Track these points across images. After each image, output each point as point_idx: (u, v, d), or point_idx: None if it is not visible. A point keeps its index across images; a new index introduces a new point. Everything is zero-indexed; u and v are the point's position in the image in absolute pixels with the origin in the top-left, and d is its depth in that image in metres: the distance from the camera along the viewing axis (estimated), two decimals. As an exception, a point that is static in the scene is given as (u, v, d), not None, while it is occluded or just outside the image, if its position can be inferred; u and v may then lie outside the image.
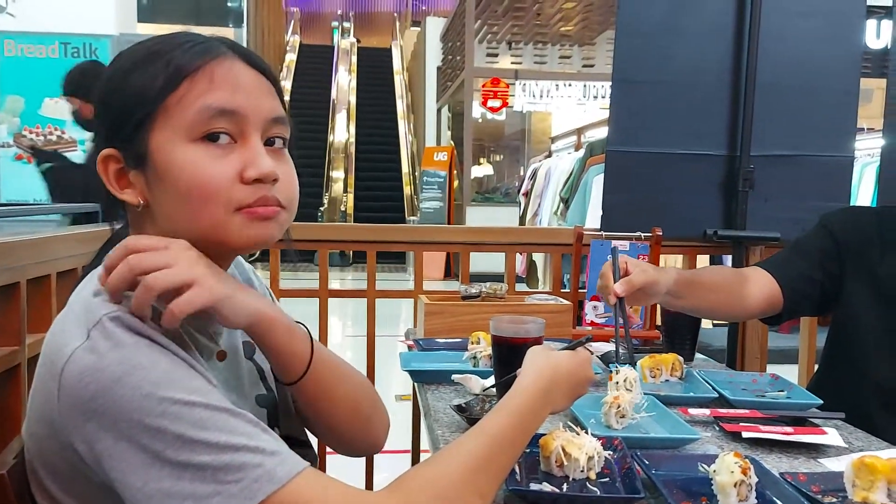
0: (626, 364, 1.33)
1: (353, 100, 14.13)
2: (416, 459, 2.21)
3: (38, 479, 0.77)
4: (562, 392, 0.95)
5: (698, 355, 1.75)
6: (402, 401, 3.68)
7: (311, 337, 0.93)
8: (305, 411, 0.98)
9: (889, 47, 2.20)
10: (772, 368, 2.22)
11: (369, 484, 2.14)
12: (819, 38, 2.12)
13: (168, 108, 0.79)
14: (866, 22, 2.19)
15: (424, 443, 1.83)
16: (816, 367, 1.70)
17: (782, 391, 1.43)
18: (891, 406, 1.44)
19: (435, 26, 12.55)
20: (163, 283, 0.73)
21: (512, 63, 11.12)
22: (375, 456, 2.20)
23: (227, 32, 14.30)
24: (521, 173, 9.38)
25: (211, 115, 0.79)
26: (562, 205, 5.71)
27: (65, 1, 7.46)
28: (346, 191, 12.29)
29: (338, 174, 12.43)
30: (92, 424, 0.69)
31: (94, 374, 0.69)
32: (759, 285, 1.53)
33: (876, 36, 6.72)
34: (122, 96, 0.81)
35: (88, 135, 7.12)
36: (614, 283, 1.37)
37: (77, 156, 7.09)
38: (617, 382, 1.26)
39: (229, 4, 14.68)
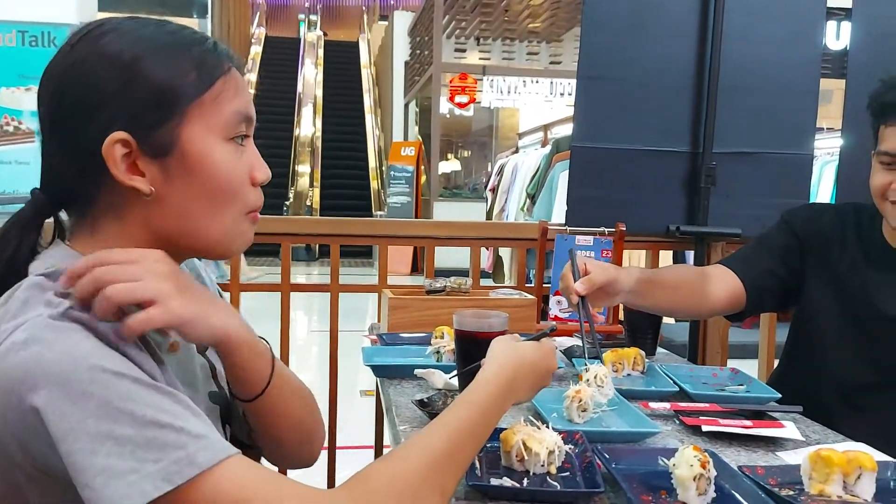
0: (594, 360, 1.33)
1: (319, 93, 14.02)
2: (378, 455, 2.20)
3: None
4: (525, 383, 0.95)
5: (660, 350, 1.77)
6: (367, 396, 3.67)
7: (272, 354, 0.92)
8: (253, 424, 0.95)
9: (848, 49, 2.23)
10: (732, 363, 2.24)
11: (331, 481, 2.12)
12: (781, 39, 2.15)
13: (203, 104, 0.80)
14: (826, 24, 2.23)
15: (388, 438, 1.83)
16: (777, 361, 1.72)
17: (742, 385, 1.44)
18: (849, 399, 1.47)
19: (403, 20, 12.51)
20: (122, 296, 0.72)
21: (480, 59, 11.15)
22: (337, 452, 2.18)
23: (191, 23, 14.09)
24: (489, 169, 9.41)
25: (241, 120, 0.83)
26: (528, 201, 5.73)
27: (23, -12, 7.27)
28: (311, 185, 12.21)
29: (304, 168, 12.34)
30: (17, 392, 0.66)
31: (27, 345, 0.68)
32: (722, 283, 1.54)
33: (836, 37, 6.85)
34: (148, 84, 0.78)
35: (47, 125, 6.99)
36: (574, 282, 1.36)
37: (34, 147, 6.95)
38: (588, 381, 1.25)
39: (194, -6, 14.46)
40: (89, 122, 0.77)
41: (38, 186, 0.83)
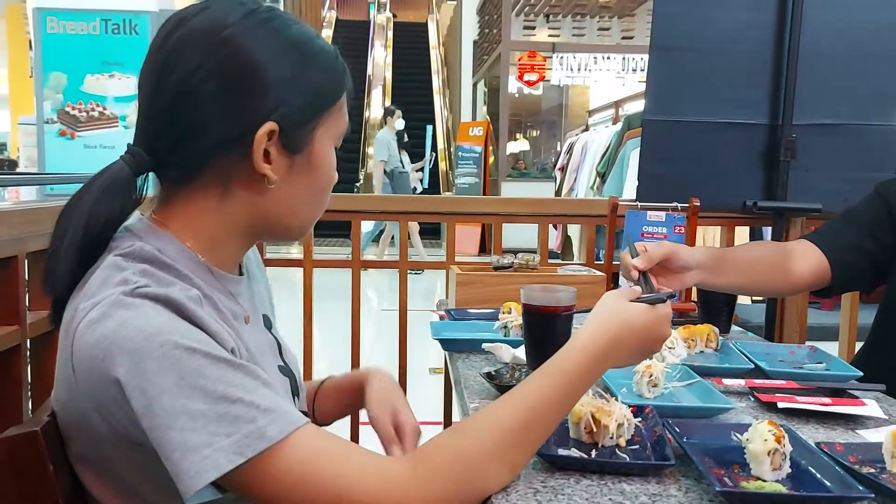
0: None
1: (388, 75, 14.09)
2: (447, 430, 2.22)
3: (68, 443, 0.79)
4: (627, 349, 0.89)
5: (735, 328, 1.72)
6: (436, 374, 3.70)
7: None
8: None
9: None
10: (811, 344, 2.18)
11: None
12: (864, 2, 2.04)
13: (333, 112, 0.85)
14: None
15: (457, 414, 1.85)
16: (859, 344, 1.65)
17: (821, 363, 1.39)
18: None
19: (471, -1, 12.44)
20: None
21: (549, 36, 11.00)
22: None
23: (264, 8, 14.33)
24: (558, 148, 9.31)
25: (346, 131, 0.89)
26: (598, 179, 5.65)
27: (105, -23, 7.54)
28: (382, 167, 12.29)
29: (374, 151, 12.44)
30: (98, 369, 0.69)
31: (101, 321, 0.70)
32: (805, 259, 1.46)
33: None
34: (312, 81, 0.82)
35: (129, 111, 7.25)
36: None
37: (119, 132, 7.23)
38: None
39: (266, -20, 14.68)
40: (252, 99, 0.78)
41: (133, 143, 0.82)
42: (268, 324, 0.95)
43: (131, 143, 0.82)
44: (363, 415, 1.04)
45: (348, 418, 2.18)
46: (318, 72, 0.83)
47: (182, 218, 0.81)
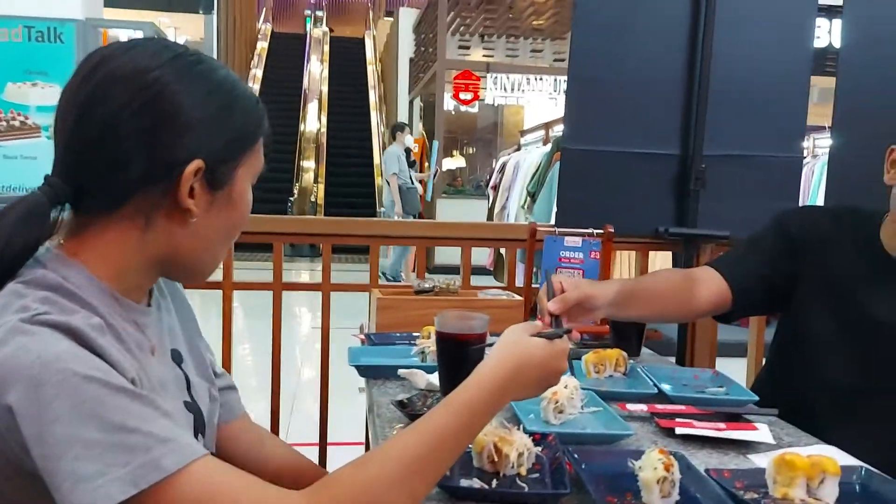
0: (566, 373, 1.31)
1: (325, 89, 14.04)
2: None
3: None
4: (527, 383, 0.92)
5: (646, 350, 1.78)
6: (363, 393, 3.69)
7: None
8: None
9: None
10: (724, 361, 2.27)
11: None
12: (770, 41, 2.15)
13: (253, 150, 0.88)
14: (816, 25, 2.23)
15: (373, 441, 1.85)
16: (764, 361, 1.72)
17: (721, 387, 1.46)
18: (839, 403, 1.44)
19: (408, 17, 12.52)
20: None
21: (484, 56, 11.16)
22: (329, 448, 2.21)
23: (198, 19, 14.10)
24: (493, 166, 9.43)
25: (260, 170, 0.92)
26: (529, 199, 5.74)
27: (28, -17, 7.30)
28: (316, 181, 12.22)
29: (308, 164, 12.36)
30: None
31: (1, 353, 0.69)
32: (708, 285, 1.52)
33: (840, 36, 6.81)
34: (236, 119, 0.85)
35: (52, 121, 7.02)
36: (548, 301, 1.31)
37: (41, 142, 6.99)
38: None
39: (200, -10, 14.47)
40: (180, 137, 0.80)
41: (52, 174, 0.81)
42: (177, 358, 0.94)
43: (48, 174, 0.82)
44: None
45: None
46: (241, 113, 0.86)
47: (95, 248, 0.81)
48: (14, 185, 6.93)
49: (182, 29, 13.63)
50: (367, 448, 2.23)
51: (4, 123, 7.05)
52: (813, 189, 5.30)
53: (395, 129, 8.81)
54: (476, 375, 0.89)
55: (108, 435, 0.67)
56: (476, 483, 0.94)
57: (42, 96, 7.03)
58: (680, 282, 1.54)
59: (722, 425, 1.20)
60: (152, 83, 0.79)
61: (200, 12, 14.23)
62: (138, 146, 0.79)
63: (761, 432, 1.19)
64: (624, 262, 4.87)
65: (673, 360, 2.06)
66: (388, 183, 8.45)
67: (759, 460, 1.10)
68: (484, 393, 0.86)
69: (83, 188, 0.81)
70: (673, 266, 2.48)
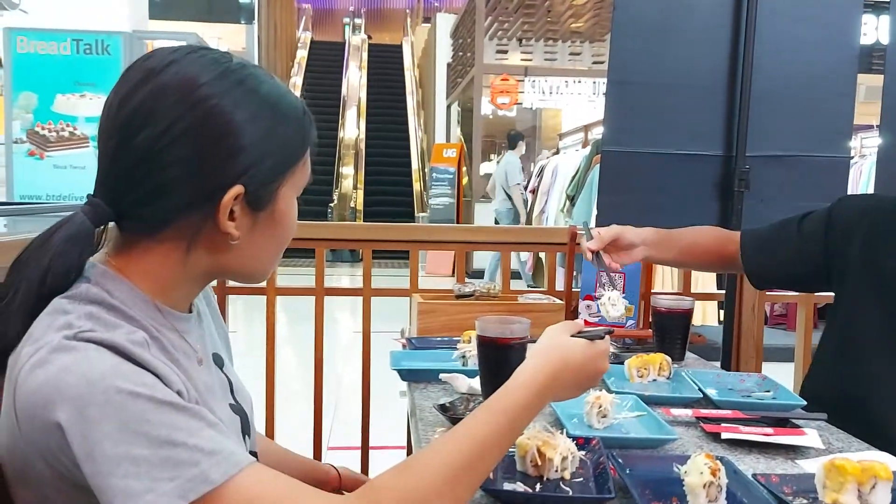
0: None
1: (363, 96, 14.16)
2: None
3: (15, 489, 0.78)
4: (567, 385, 0.92)
5: (690, 354, 1.76)
6: (405, 397, 3.70)
7: None
8: None
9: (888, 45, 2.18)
10: (770, 366, 2.23)
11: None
12: (815, 41, 2.12)
13: (298, 167, 0.86)
14: (862, 24, 2.18)
15: (415, 445, 1.86)
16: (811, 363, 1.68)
17: (769, 391, 1.43)
18: (892, 403, 1.41)
19: (446, 23, 12.57)
20: None
21: (522, 59, 11.13)
22: (371, 452, 2.22)
23: (239, 29, 14.37)
24: (531, 170, 9.40)
25: (307, 182, 0.90)
26: (568, 202, 5.72)
27: (77, -2, 7.52)
28: (355, 187, 12.33)
29: (348, 170, 12.47)
30: (40, 416, 0.69)
31: (42, 366, 0.70)
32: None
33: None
34: (280, 140, 0.83)
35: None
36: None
37: (89, 152, 7.18)
38: (602, 302, 1.60)
39: (241, 0, 14.73)
40: (225, 164, 0.78)
41: (94, 193, 0.81)
42: (219, 362, 0.96)
43: (91, 193, 0.82)
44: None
45: (310, 441, 2.19)
46: (288, 130, 0.84)
47: (139, 265, 0.82)
48: (63, 195, 7.14)
49: (224, 39, 13.89)
50: (409, 452, 2.24)
51: (54, 134, 7.26)
52: (861, 190, 5.18)
53: (513, 139, 8.73)
54: (516, 378, 0.88)
55: (155, 451, 0.68)
56: (520, 486, 0.95)
57: (90, 107, 7.23)
58: (716, 237, 1.67)
59: (769, 430, 1.18)
60: (196, 104, 0.77)
61: (242, 22, 14.50)
62: (182, 174, 0.77)
63: (810, 437, 1.17)
64: (666, 267, 4.80)
65: (718, 364, 2.03)
66: (509, 193, 8.38)
67: (808, 465, 1.08)
68: (524, 396, 0.86)
69: (125, 211, 0.81)
70: (717, 276, 2.50)
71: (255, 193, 0.81)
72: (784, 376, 1.74)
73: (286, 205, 0.86)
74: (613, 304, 1.59)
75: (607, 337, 0.98)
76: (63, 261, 0.78)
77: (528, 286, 6.77)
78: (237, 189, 0.79)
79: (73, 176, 7.21)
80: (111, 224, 0.83)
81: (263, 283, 2.19)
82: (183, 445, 0.69)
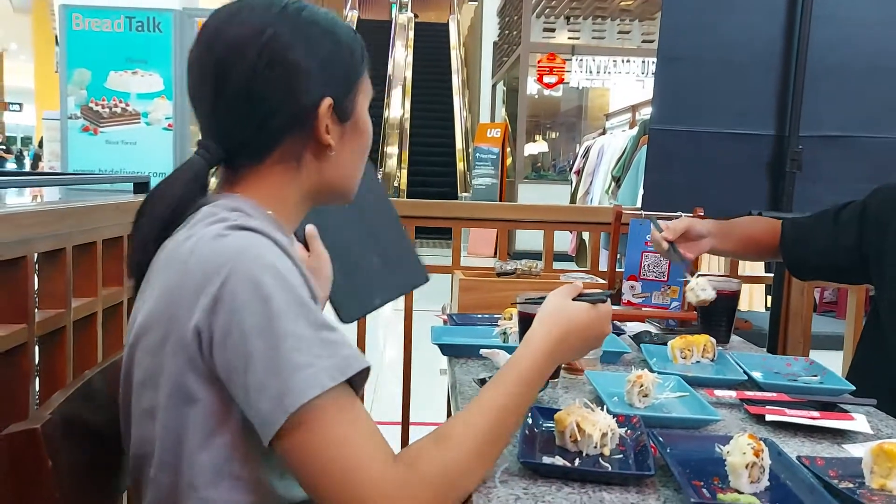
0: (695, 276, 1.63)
1: (409, 75, 14.13)
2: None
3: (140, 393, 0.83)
4: (572, 347, 0.99)
5: (736, 338, 1.73)
6: (445, 375, 3.73)
7: None
8: None
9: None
10: (818, 354, 2.17)
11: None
12: (873, 18, 2.04)
13: (364, 77, 0.96)
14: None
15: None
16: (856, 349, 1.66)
17: (816, 376, 1.40)
18: None
19: (493, 0, 12.44)
20: None
21: (569, 38, 10.98)
22: (411, 427, 2.25)
23: (286, 7, 14.42)
24: (577, 150, 9.30)
25: (372, 94, 0.99)
26: (613, 184, 5.65)
27: (129, -25, 7.64)
28: (399, 166, 12.35)
29: (392, 150, 12.49)
30: (211, 284, 0.76)
31: (219, 239, 0.79)
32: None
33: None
34: (345, 58, 0.93)
35: (151, 108, 7.33)
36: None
37: (141, 128, 7.33)
38: (692, 288, 1.57)
39: (289, -21, 14.75)
40: (309, 82, 0.88)
41: (203, 139, 0.91)
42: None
43: (200, 139, 0.91)
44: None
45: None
46: (348, 47, 0.93)
47: (256, 191, 0.91)
48: (116, 169, 7.30)
49: (272, 17, 13.94)
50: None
51: (107, 110, 7.41)
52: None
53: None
54: (525, 347, 0.95)
55: (315, 332, 0.76)
56: (559, 460, 0.94)
57: (141, 84, 7.37)
58: (765, 228, 1.70)
59: (816, 413, 1.16)
60: (270, 41, 0.86)
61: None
62: (277, 99, 0.87)
63: (858, 422, 1.14)
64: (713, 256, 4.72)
65: (764, 350, 1.99)
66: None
67: (855, 450, 1.06)
68: (535, 363, 0.93)
69: (235, 146, 0.90)
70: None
71: (340, 103, 0.91)
72: (832, 365, 1.71)
73: (363, 114, 0.96)
74: (703, 288, 1.59)
75: (608, 300, 1.03)
76: (189, 194, 0.88)
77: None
78: (328, 101, 0.89)
79: (125, 151, 7.37)
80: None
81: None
82: (337, 330, 0.78)
